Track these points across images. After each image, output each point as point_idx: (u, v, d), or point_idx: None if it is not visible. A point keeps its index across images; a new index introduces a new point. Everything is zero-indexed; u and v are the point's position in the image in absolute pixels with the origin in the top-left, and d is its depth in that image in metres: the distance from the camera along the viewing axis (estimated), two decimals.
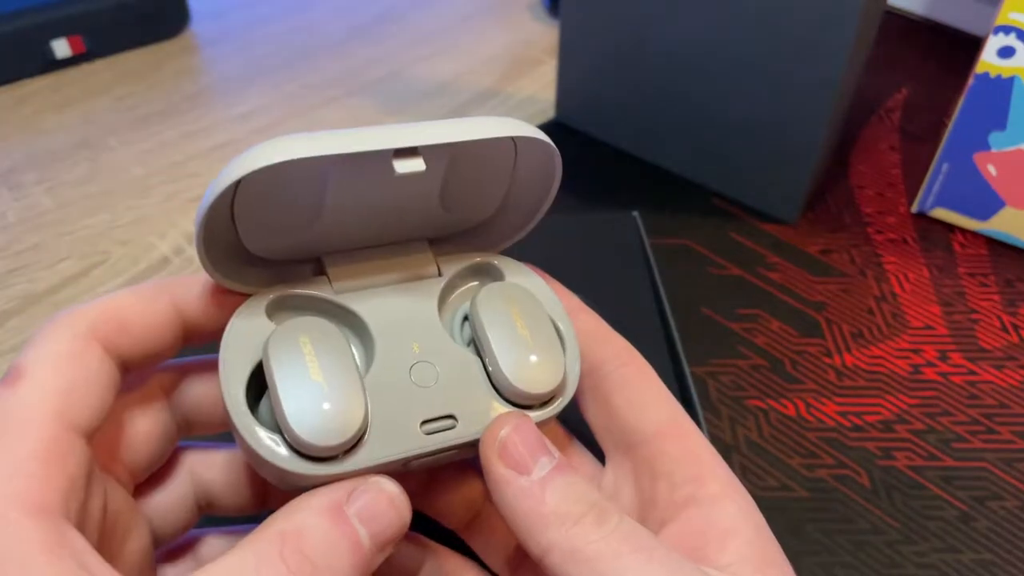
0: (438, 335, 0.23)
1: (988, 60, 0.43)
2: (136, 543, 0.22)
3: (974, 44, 0.62)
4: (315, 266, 0.24)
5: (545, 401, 0.23)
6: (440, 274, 0.25)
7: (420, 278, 0.24)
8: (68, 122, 0.54)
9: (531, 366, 0.22)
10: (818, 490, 0.36)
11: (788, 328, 0.43)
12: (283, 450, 0.20)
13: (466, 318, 0.24)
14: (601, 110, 0.53)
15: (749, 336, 0.42)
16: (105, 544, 0.21)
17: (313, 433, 0.20)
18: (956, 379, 0.41)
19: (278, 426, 0.20)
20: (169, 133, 0.54)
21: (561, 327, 0.24)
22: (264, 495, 0.25)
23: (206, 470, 0.24)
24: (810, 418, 0.38)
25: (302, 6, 0.67)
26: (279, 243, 0.23)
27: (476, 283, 0.25)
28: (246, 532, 0.19)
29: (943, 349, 0.42)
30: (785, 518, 0.35)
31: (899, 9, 0.67)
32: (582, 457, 0.26)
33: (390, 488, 0.20)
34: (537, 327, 0.23)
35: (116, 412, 0.22)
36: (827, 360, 0.41)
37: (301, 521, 0.19)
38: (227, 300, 0.22)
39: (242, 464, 0.25)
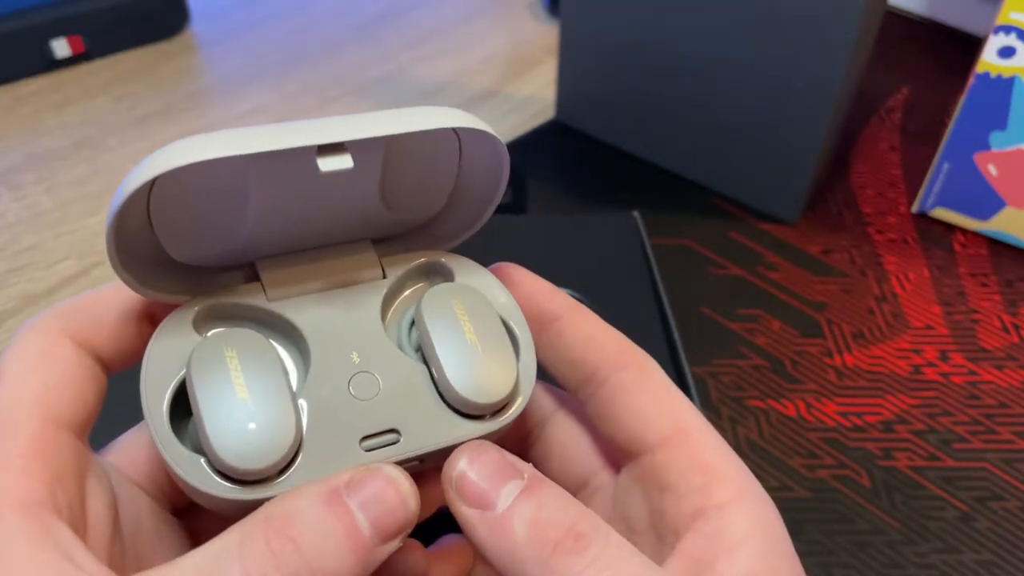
0: (380, 343, 0.22)
1: (988, 60, 0.43)
2: (167, 554, 0.22)
3: (974, 44, 0.62)
4: (248, 271, 0.22)
5: (498, 409, 0.22)
6: (385, 276, 0.23)
7: (363, 281, 0.23)
8: (67, 122, 0.54)
9: (479, 374, 0.21)
10: (818, 490, 0.36)
11: (788, 328, 0.43)
12: (209, 474, 0.19)
13: (413, 323, 0.23)
14: (601, 110, 0.53)
15: (749, 336, 0.42)
16: (130, 547, 0.21)
17: (238, 456, 0.18)
18: (956, 379, 0.40)
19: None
20: (168, 133, 0.54)
21: (515, 329, 0.23)
22: None
23: None
24: (810, 418, 0.38)
25: (302, 6, 0.67)
26: (205, 249, 0.21)
27: (424, 284, 0.24)
28: None
29: (943, 349, 0.42)
30: (785, 518, 0.35)
31: (899, 9, 0.67)
32: None
33: (393, 474, 0.19)
34: (486, 331, 0.22)
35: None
36: (827, 360, 0.41)
37: (292, 505, 0.18)
38: None
39: None
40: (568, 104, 0.54)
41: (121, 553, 0.20)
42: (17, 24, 0.55)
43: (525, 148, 0.53)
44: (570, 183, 0.51)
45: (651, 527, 0.22)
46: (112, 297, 0.21)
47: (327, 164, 0.19)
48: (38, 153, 0.52)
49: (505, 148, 0.21)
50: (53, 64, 0.58)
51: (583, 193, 0.50)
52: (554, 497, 0.19)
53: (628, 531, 0.22)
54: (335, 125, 0.19)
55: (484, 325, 0.22)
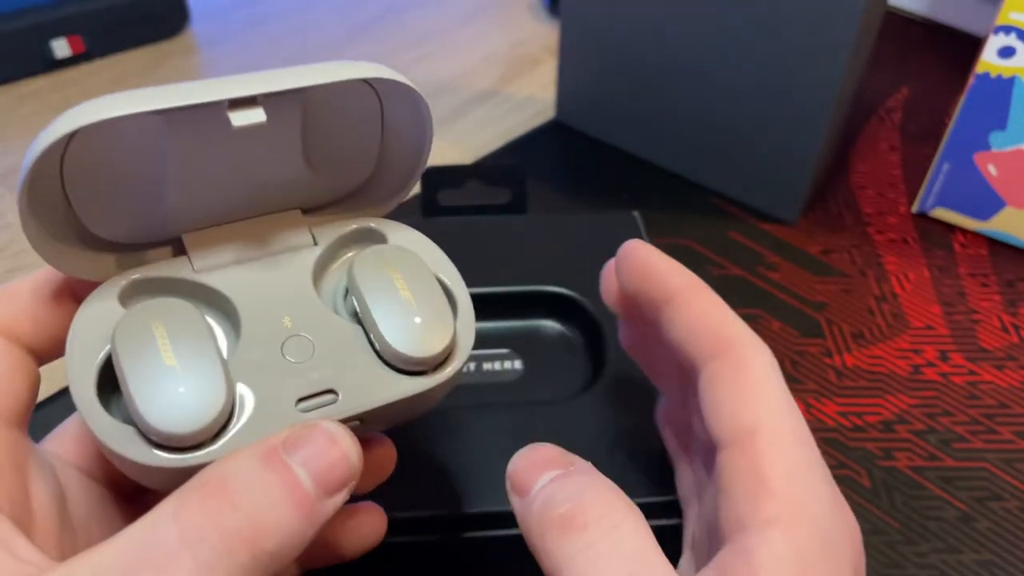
0: (313, 307, 0.21)
1: (988, 60, 0.43)
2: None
3: (974, 44, 0.62)
4: (176, 246, 0.22)
5: (438, 364, 0.21)
6: (316, 243, 0.23)
7: (294, 249, 0.22)
8: None
9: (415, 329, 0.21)
10: None
11: (788, 328, 0.43)
12: (139, 442, 0.18)
13: (348, 291, 0.23)
14: (601, 110, 0.53)
15: None
16: (83, 536, 0.20)
17: (167, 421, 0.18)
18: (956, 379, 0.40)
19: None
20: None
21: (452, 287, 0.23)
22: None
23: None
24: (810, 418, 0.38)
25: (302, 6, 0.67)
26: (127, 222, 0.21)
27: (358, 251, 0.24)
28: None
29: (943, 349, 0.42)
30: None
31: (899, 9, 0.67)
32: None
33: (332, 428, 0.19)
34: (421, 288, 0.22)
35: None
36: (827, 360, 0.41)
37: (227, 468, 0.18)
38: None
39: None
40: (568, 104, 0.54)
41: (73, 542, 0.20)
42: (17, 24, 0.55)
43: (525, 148, 0.53)
44: (570, 183, 0.51)
45: (708, 530, 0.21)
46: (35, 282, 0.21)
47: (239, 119, 0.19)
48: None
49: (425, 102, 0.21)
50: (53, 64, 0.58)
51: (583, 193, 0.50)
52: (576, 482, 0.19)
53: (706, 524, 0.22)
54: (247, 80, 0.19)
55: (418, 282, 0.22)
